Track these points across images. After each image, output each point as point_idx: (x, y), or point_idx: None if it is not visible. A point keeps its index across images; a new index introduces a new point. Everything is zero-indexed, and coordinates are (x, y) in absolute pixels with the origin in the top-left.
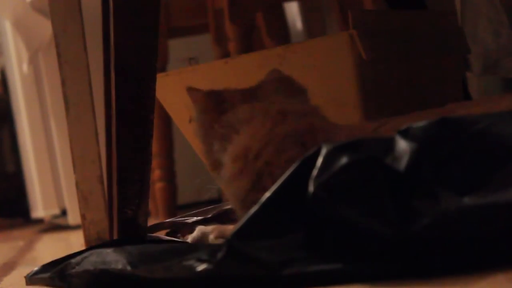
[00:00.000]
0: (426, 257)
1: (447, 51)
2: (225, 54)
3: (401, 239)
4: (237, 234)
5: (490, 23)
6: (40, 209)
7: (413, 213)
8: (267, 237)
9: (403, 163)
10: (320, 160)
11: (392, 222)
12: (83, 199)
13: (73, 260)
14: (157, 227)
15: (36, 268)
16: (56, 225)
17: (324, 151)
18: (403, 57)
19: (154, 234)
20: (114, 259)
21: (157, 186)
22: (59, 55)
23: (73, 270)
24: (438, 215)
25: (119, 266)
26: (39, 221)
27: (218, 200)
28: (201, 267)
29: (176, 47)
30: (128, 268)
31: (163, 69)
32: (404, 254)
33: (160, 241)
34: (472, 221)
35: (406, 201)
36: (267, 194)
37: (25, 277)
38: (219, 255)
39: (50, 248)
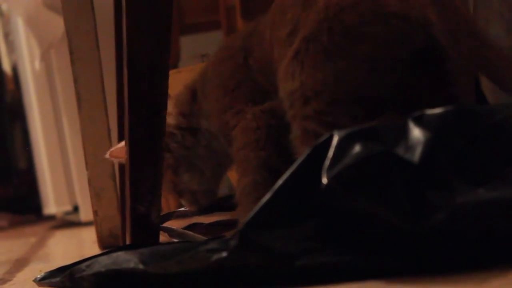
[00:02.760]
0: (441, 252)
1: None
2: None
3: (416, 233)
4: (249, 223)
5: (502, 19)
6: (52, 205)
7: (428, 206)
8: (279, 227)
9: (417, 153)
10: (332, 150)
11: (407, 216)
12: (96, 195)
13: (83, 264)
14: (168, 216)
15: (43, 273)
16: (68, 222)
17: (336, 139)
18: None
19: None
20: (125, 259)
21: None
22: (71, 52)
23: (84, 273)
24: (454, 209)
25: (131, 265)
26: (51, 217)
27: (230, 196)
28: (214, 257)
29: (188, 44)
30: (140, 266)
31: (175, 66)
32: (418, 248)
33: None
34: (487, 214)
35: (421, 193)
36: (279, 182)
37: (33, 281)
38: (232, 244)
39: (62, 245)
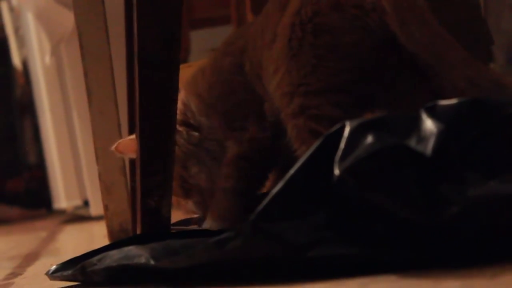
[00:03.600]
0: (453, 245)
1: (471, 42)
2: None
3: (428, 226)
4: (260, 214)
5: None
6: (62, 200)
7: (441, 199)
8: (290, 217)
9: (429, 145)
10: (343, 141)
11: (420, 209)
12: (106, 190)
13: (95, 258)
14: (185, 222)
15: (55, 266)
16: (78, 216)
17: (347, 130)
18: None
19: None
20: (137, 254)
21: None
22: (81, 46)
23: (95, 267)
24: (467, 203)
25: (142, 261)
26: (61, 212)
27: None
28: (224, 249)
29: (198, 38)
30: (152, 262)
31: (185, 61)
32: (430, 241)
33: (183, 233)
34: (500, 207)
35: (434, 186)
36: (291, 172)
37: (46, 274)
38: (243, 234)
39: (73, 239)
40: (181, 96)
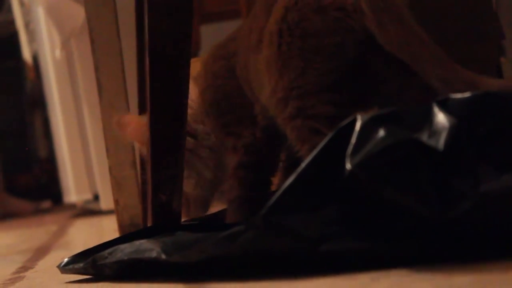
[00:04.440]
0: (465, 240)
1: (482, 36)
2: None
3: (440, 221)
4: (272, 207)
5: None
6: (72, 194)
7: (453, 194)
8: (301, 211)
9: (441, 140)
10: (355, 135)
11: (432, 204)
12: (116, 184)
13: (106, 251)
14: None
15: (66, 259)
16: (89, 210)
17: (359, 124)
18: (436, 40)
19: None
20: (148, 248)
21: None
22: (92, 40)
23: (107, 260)
24: (479, 198)
25: (153, 255)
26: (72, 206)
27: None
28: (235, 242)
29: (208, 33)
30: (163, 256)
31: (195, 55)
32: (442, 236)
33: (193, 227)
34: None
35: (446, 180)
36: (302, 166)
37: (57, 267)
38: (254, 228)
39: (83, 233)
40: None
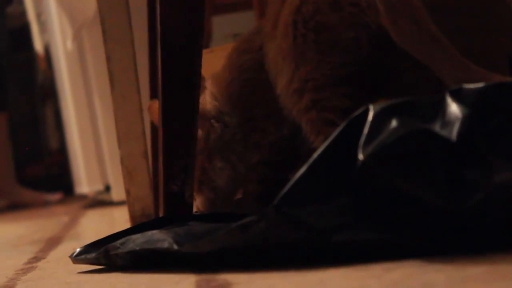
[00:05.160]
0: (478, 231)
1: (495, 30)
2: None
3: (453, 212)
4: (284, 198)
5: None
6: (84, 185)
7: (466, 185)
8: (314, 201)
9: (454, 130)
10: (367, 126)
11: (445, 195)
12: (128, 175)
13: (118, 241)
14: None
15: (78, 249)
16: (100, 201)
17: (371, 114)
18: (449, 34)
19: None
20: (160, 238)
21: None
22: (104, 31)
23: (119, 251)
24: (492, 188)
25: (165, 245)
26: (83, 197)
27: None
28: (247, 233)
29: (220, 23)
30: (175, 246)
31: (207, 46)
32: (455, 227)
33: (205, 217)
34: None
35: (459, 171)
36: (314, 156)
37: (69, 257)
38: (266, 219)
39: (94, 224)
40: (213, 92)
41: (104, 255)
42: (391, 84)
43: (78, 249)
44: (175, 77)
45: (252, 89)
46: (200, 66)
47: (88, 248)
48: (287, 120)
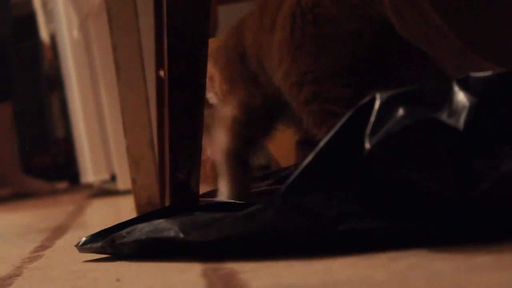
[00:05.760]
0: (485, 220)
1: (506, 21)
2: None
3: (460, 202)
4: (290, 186)
5: None
6: (89, 174)
7: (473, 174)
8: (320, 190)
9: (462, 119)
10: (374, 114)
11: (452, 184)
12: (134, 164)
13: (124, 230)
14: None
15: (84, 238)
16: (106, 190)
17: (378, 102)
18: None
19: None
20: (166, 227)
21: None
22: (110, 20)
23: (125, 240)
24: (499, 178)
25: (171, 234)
26: (89, 186)
27: (267, 166)
28: (254, 221)
29: (226, 13)
30: (181, 235)
31: (213, 35)
32: (462, 216)
33: (211, 206)
34: None
35: (466, 161)
36: (320, 145)
37: (75, 246)
38: (272, 208)
39: (100, 213)
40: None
41: (110, 244)
42: (395, 76)
43: (84, 238)
44: (181, 66)
45: (231, 62)
46: (206, 54)
47: (94, 237)
48: (266, 93)
